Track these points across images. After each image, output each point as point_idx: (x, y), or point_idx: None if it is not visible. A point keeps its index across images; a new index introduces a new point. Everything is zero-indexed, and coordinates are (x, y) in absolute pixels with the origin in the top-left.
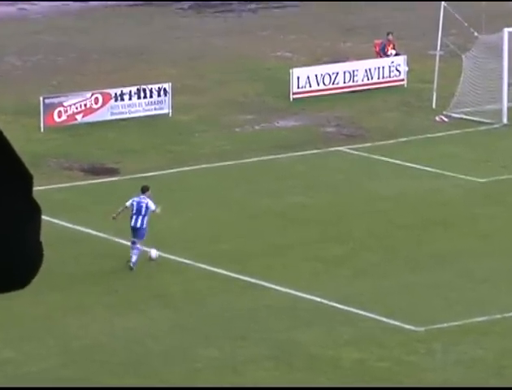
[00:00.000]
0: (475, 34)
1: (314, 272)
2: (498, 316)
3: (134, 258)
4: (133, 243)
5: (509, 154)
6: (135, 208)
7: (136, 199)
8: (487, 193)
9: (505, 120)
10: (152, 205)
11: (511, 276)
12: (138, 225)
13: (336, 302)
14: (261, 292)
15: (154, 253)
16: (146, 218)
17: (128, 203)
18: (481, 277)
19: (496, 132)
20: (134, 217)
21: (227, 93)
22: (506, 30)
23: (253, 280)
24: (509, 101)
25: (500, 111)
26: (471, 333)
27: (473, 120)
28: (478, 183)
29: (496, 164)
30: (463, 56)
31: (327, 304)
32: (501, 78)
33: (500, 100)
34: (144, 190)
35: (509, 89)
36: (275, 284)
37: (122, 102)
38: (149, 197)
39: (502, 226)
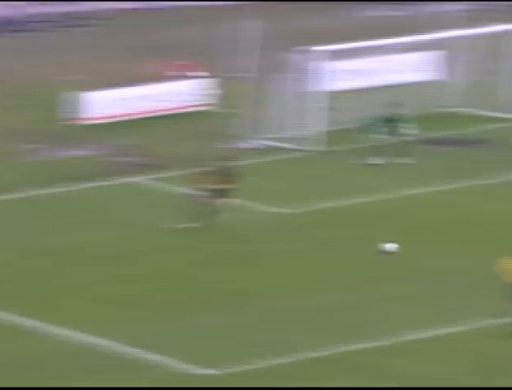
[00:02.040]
0: (284, 55)
1: (99, 314)
2: (295, 359)
3: None
4: None
5: (319, 184)
6: None
7: None
8: (294, 226)
9: (317, 146)
10: None
11: (314, 315)
12: None
13: (126, 346)
14: (40, 338)
15: None
16: None
17: None
18: (283, 317)
19: (305, 160)
20: None
21: (9, 121)
22: (315, 49)
23: (32, 324)
24: (326, 126)
25: (310, 137)
26: (271, 377)
27: (281, 147)
28: (285, 215)
29: (305, 194)
30: (271, 78)
31: (113, 348)
32: (311, 102)
33: (311, 125)
34: None
35: (324, 114)
36: (58, 328)
37: None
38: None
39: (311, 261)
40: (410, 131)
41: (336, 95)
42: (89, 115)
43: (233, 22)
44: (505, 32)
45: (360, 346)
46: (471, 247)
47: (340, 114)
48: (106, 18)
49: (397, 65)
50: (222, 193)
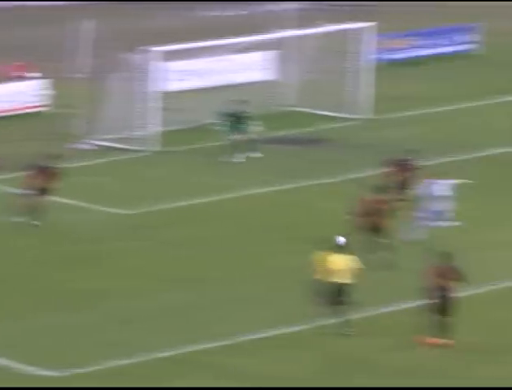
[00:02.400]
0: (123, 55)
1: None
2: (143, 358)
3: None
4: None
5: (156, 184)
6: None
7: None
8: (132, 226)
9: (153, 147)
10: None
11: (159, 315)
12: None
13: None
14: None
15: None
16: None
17: None
18: (128, 317)
19: (141, 160)
20: None
21: None
22: (153, 49)
23: None
24: (162, 126)
25: (147, 137)
26: (119, 377)
27: (120, 148)
28: (122, 215)
29: (142, 195)
30: (108, 78)
31: None
32: (148, 102)
33: (148, 125)
34: None
35: (161, 114)
36: None
37: None
38: None
39: (152, 261)
40: (256, 128)
41: (173, 95)
42: None
43: (75, 22)
44: (342, 32)
45: (206, 346)
46: (305, 246)
47: (178, 115)
48: None
49: (234, 65)
50: (47, 192)
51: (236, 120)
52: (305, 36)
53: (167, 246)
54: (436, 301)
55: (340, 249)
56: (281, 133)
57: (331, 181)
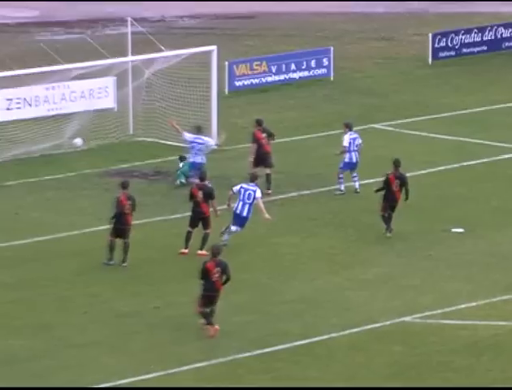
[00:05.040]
0: None
1: None
2: None
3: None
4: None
5: None
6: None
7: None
8: None
9: None
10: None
11: None
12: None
13: None
14: None
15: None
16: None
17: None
18: None
19: None
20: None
21: None
22: None
23: None
24: None
25: None
26: None
27: None
28: None
29: None
30: None
31: None
32: None
33: None
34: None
35: None
36: None
37: None
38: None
39: None
40: None
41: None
42: None
43: None
44: (187, 57)
45: None
46: (147, 287)
47: (7, 146)
48: None
49: (70, 92)
50: None
51: None
52: (147, 61)
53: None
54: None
55: None
56: (123, 166)
57: (176, 217)
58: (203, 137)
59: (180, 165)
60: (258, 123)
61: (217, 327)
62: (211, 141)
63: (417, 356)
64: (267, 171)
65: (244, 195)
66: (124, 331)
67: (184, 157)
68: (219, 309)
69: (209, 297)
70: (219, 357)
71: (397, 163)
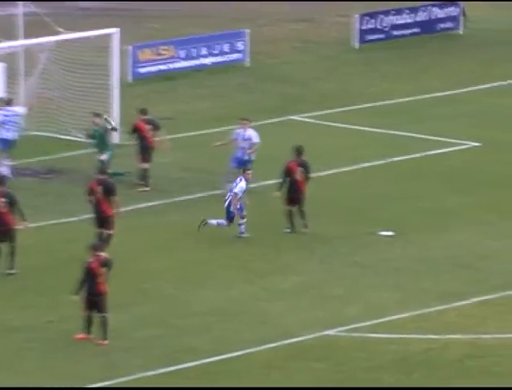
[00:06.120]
0: None
1: None
2: None
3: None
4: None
5: None
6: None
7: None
8: None
9: None
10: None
11: None
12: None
13: None
14: None
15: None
16: None
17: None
18: None
19: None
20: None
21: None
22: None
23: None
24: None
25: None
26: None
27: None
28: None
29: None
30: None
31: None
32: None
33: None
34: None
35: None
36: None
37: None
38: None
39: None
40: None
41: None
42: None
43: None
44: (84, 41)
45: None
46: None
47: None
48: None
49: None
50: None
51: None
52: (40, 45)
53: None
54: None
55: None
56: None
57: (72, 220)
58: (11, 108)
59: (103, 157)
60: (142, 112)
61: (106, 342)
62: (21, 110)
63: (341, 373)
64: (145, 166)
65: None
66: (14, 347)
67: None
68: (118, 322)
69: (91, 301)
70: (120, 375)
71: (299, 149)
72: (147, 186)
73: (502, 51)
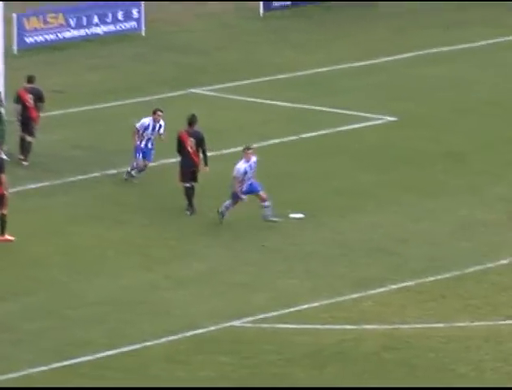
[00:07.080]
0: None
1: None
2: None
3: None
4: None
5: None
6: None
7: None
8: None
9: None
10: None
11: None
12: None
13: None
14: None
15: None
16: None
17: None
18: None
19: None
20: None
21: None
22: None
23: None
24: None
25: None
26: None
27: None
28: None
29: None
30: None
31: None
32: None
33: None
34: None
35: None
36: None
37: None
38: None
39: None
40: None
41: None
42: None
43: None
44: None
45: None
46: None
47: None
48: None
49: None
50: None
51: None
52: None
53: None
54: None
55: None
56: None
57: None
58: None
59: None
60: (28, 80)
61: None
62: None
63: (248, 368)
64: (29, 139)
65: None
66: None
67: None
68: (6, 313)
69: None
70: (7, 372)
71: (191, 119)
72: (26, 160)
73: (416, 19)
